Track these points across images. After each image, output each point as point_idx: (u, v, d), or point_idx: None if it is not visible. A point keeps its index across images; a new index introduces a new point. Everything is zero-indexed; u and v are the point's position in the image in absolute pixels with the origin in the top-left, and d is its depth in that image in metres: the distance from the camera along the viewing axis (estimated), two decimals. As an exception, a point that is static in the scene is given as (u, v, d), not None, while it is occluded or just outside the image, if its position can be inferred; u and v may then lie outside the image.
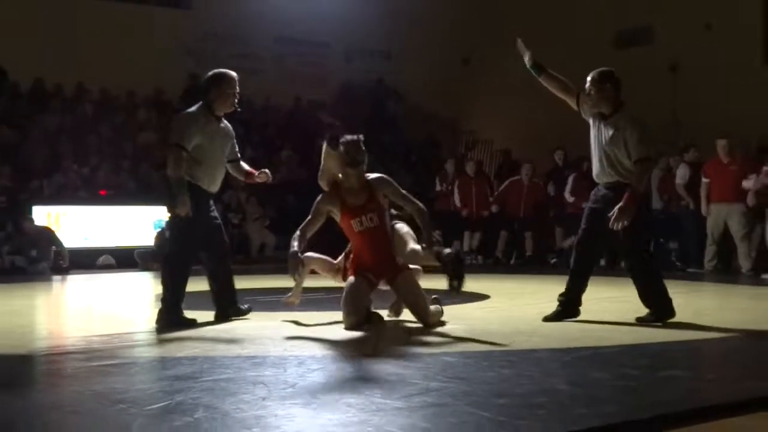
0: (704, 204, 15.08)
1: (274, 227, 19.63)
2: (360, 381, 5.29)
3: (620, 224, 7.48)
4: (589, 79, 7.82)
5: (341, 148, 7.44)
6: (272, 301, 9.43)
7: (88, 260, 17.66)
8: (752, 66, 20.56)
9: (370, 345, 6.74)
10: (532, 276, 14.80)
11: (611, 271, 14.87)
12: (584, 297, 8.09)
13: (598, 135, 7.85)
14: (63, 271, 16.28)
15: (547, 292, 10.08)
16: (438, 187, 19.71)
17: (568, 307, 8.04)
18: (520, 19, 24.46)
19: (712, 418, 4.31)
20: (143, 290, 13.20)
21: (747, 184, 14.52)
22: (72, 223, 18.32)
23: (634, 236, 7.73)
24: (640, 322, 7.78)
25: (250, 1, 23.56)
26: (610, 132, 7.68)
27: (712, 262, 15.07)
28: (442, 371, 5.41)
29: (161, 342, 7.07)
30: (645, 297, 7.92)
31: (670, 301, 7.84)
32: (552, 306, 8.17)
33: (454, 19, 25.56)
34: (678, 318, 7.85)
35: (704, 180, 15.09)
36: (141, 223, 18.93)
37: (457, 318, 8.23)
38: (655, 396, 4.75)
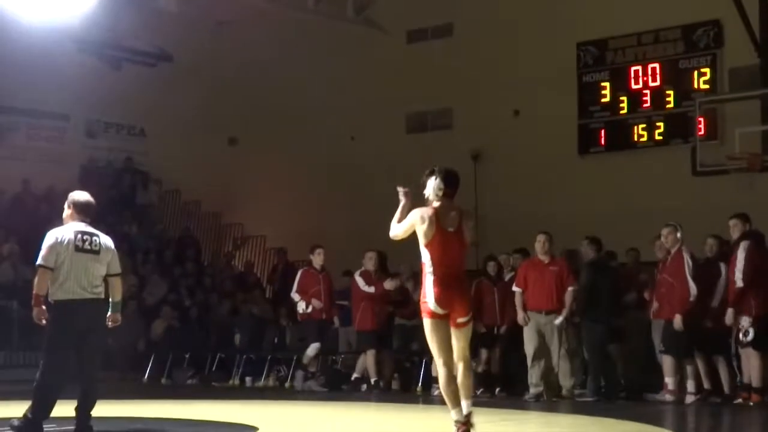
0: (521, 314, 15.09)
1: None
2: None
3: None
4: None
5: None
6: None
7: None
8: (567, 157, 21.18)
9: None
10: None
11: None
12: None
13: None
14: None
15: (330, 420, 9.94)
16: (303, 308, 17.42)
17: None
18: (297, 97, 24.68)
19: None
20: None
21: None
22: None
23: None
24: None
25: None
26: None
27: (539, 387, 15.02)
28: None
29: None
30: None
31: None
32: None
33: (220, 93, 25.50)
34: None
35: (516, 289, 15.13)
36: None
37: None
38: None
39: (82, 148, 25.93)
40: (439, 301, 8.58)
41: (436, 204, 8.81)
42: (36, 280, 9.30)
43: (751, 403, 13.01)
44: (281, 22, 24.22)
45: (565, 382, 14.72)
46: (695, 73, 20.05)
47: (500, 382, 16.00)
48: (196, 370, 20.01)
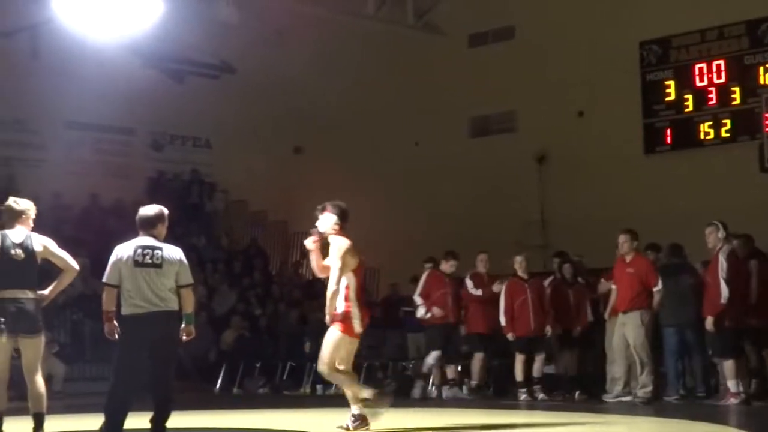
0: (608, 311, 14.98)
1: (65, 354, 18.95)
2: None
3: None
4: None
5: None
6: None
7: None
8: (633, 157, 20.99)
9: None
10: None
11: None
12: None
13: None
14: None
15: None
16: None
17: None
18: (360, 104, 24.71)
19: None
20: None
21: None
22: None
23: None
24: None
25: (32, 79, 22.88)
26: None
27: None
28: None
29: None
30: None
31: None
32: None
33: (283, 102, 25.53)
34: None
35: (613, 286, 14.89)
36: None
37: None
38: None
39: (148, 161, 26.13)
40: (363, 324, 10.29)
41: (336, 236, 10.54)
42: (103, 297, 9.49)
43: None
44: (342, 30, 24.25)
45: (639, 383, 14.56)
46: (761, 68, 19.78)
47: (579, 384, 15.93)
48: (267, 379, 20.10)
